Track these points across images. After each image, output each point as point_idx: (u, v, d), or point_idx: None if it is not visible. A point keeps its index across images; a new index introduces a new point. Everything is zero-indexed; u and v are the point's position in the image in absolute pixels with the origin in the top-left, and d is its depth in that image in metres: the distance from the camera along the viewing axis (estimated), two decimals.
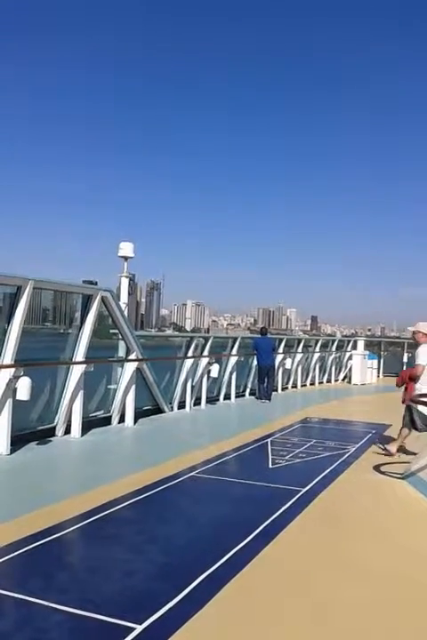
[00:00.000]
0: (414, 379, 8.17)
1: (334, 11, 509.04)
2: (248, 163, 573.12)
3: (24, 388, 7.30)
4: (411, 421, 8.01)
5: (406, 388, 8.45)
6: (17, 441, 7.57)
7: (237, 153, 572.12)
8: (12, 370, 7.29)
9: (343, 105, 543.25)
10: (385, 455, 8.09)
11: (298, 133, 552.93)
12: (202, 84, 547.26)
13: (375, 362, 22.72)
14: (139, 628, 3.23)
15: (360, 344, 22.87)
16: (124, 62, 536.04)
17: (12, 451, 7.33)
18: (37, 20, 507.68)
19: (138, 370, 10.19)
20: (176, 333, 49.50)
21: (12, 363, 7.33)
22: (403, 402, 8.36)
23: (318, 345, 20.44)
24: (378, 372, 23.37)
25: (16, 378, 7.28)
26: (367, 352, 22.45)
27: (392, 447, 8.19)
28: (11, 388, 7.28)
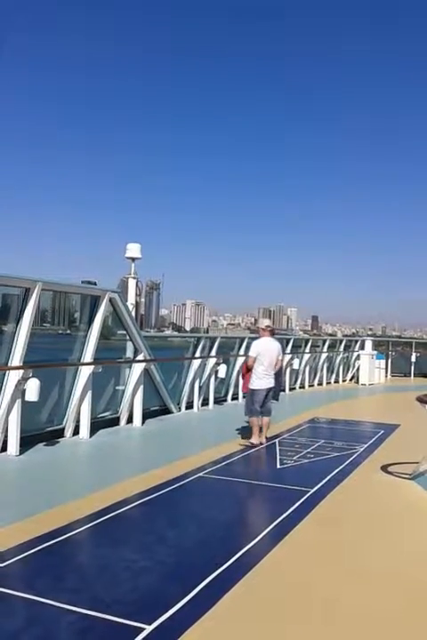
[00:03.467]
0: (250, 369, 8.90)
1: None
2: (247, 163, 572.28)
3: (33, 390, 7.35)
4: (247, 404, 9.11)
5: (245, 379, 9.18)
6: (26, 442, 7.61)
7: (236, 152, 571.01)
8: (21, 371, 7.33)
9: (344, 103, 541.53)
10: (251, 446, 8.46)
11: (296, 132, 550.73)
12: (202, 84, 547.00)
13: (383, 362, 22.62)
14: (148, 629, 3.24)
15: (368, 344, 22.77)
16: (123, 62, 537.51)
17: (22, 451, 7.37)
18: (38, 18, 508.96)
19: (145, 370, 10.22)
20: (176, 333, 49.25)
21: (21, 365, 7.38)
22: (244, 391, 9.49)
23: (326, 345, 20.39)
24: (386, 372, 23.30)
25: (25, 379, 7.32)
26: (375, 352, 22.37)
27: (260, 438, 8.74)
28: (20, 390, 7.33)
